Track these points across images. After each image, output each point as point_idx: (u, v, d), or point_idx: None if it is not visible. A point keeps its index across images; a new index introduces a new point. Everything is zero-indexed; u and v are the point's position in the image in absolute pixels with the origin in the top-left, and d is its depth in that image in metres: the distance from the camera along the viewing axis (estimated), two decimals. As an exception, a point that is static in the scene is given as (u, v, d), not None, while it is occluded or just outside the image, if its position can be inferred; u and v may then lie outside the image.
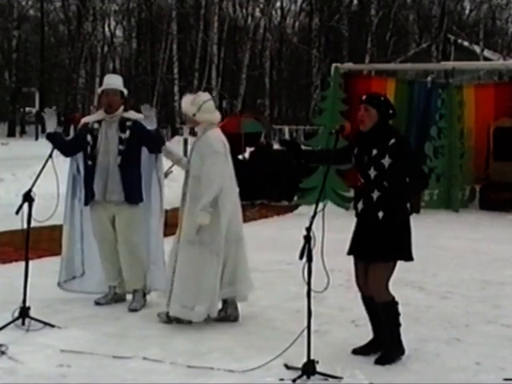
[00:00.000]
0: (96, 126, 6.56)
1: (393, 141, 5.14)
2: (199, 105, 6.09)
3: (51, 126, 6.68)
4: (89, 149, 6.52)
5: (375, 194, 5.16)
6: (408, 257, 5.26)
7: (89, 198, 6.54)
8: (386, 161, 5.13)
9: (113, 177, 6.46)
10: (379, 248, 5.15)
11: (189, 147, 24.56)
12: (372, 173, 5.19)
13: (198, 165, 5.99)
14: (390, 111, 5.25)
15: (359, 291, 5.40)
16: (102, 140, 6.49)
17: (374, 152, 5.18)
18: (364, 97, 5.31)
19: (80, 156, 6.66)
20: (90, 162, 6.52)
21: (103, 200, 6.50)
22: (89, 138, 6.54)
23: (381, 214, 5.14)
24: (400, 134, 5.31)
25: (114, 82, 6.64)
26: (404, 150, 5.15)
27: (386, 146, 5.14)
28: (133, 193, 6.49)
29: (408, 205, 5.20)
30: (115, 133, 6.49)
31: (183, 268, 5.99)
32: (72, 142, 6.82)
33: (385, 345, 5.31)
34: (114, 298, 6.72)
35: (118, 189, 6.47)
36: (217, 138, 6.07)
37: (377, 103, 5.24)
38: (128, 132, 6.48)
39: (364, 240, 5.25)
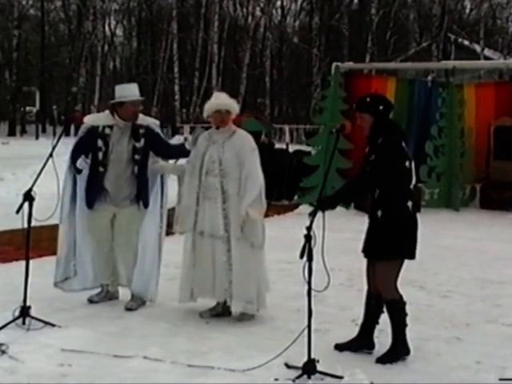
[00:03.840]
0: (108, 131, 6.44)
1: (380, 140, 5.18)
2: (236, 103, 6.22)
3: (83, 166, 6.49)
4: (100, 155, 6.42)
5: (376, 193, 5.20)
6: (409, 255, 5.25)
7: (95, 201, 6.48)
8: (372, 158, 5.20)
9: (128, 185, 6.45)
10: (378, 247, 5.18)
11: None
12: (367, 169, 5.25)
13: (234, 163, 6.05)
14: (380, 107, 5.24)
15: (367, 285, 5.42)
16: (113, 146, 6.42)
17: (368, 150, 5.28)
18: (354, 106, 5.37)
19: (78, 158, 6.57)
20: (101, 169, 6.43)
21: (114, 205, 6.49)
22: (100, 143, 6.43)
23: (379, 213, 5.18)
24: (390, 135, 5.22)
25: (136, 92, 6.52)
26: (382, 150, 5.14)
27: (376, 144, 5.20)
28: (147, 199, 6.49)
29: (409, 203, 5.20)
30: (128, 141, 6.44)
31: (239, 266, 6.05)
32: (82, 151, 6.50)
33: (368, 344, 5.36)
34: (107, 296, 6.72)
35: (132, 196, 6.48)
36: (250, 136, 6.21)
37: (365, 107, 5.28)
38: (142, 140, 6.44)
39: (367, 238, 5.30)
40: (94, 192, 6.48)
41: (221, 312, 6.26)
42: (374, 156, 5.19)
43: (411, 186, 5.28)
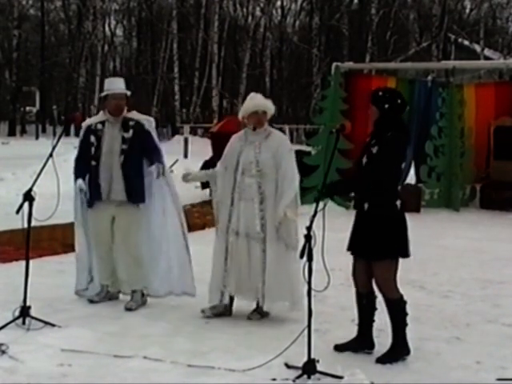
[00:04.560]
0: (99, 126, 6.54)
1: (389, 134, 5.17)
2: (272, 104, 6.29)
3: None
4: (93, 150, 6.50)
5: (364, 185, 5.22)
6: (404, 253, 5.23)
7: (94, 198, 6.52)
8: (375, 148, 5.19)
9: (116, 176, 6.45)
10: (375, 246, 5.17)
11: (189, 146, 24.59)
12: (364, 160, 5.26)
13: (270, 164, 6.09)
14: (386, 106, 5.23)
15: (354, 286, 5.41)
16: (105, 140, 6.48)
17: (371, 142, 5.27)
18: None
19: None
20: (93, 163, 6.49)
21: (107, 200, 6.50)
22: (92, 138, 6.52)
23: (366, 206, 5.19)
24: (400, 131, 5.24)
25: (120, 86, 6.60)
26: (390, 144, 5.13)
27: (382, 137, 5.19)
28: (135, 192, 6.47)
29: (398, 202, 5.17)
30: (118, 133, 6.49)
31: (273, 266, 6.07)
32: (81, 156, 6.62)
33: (368, 344, 5.36)
34: (108, 296, 6.73)
35: (121, 188, 6.46)
36: (286, 137, 6.33)
37: (374, 100, 5.29)
38: (131, 131, 6.47)
39: (355, 235, 5.31)
40: (91, 188, 6.51)
41: (222, 311, 6.26)
42: (378, 148, 5.16)
43: (399, 187, 5.28)
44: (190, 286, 6.57)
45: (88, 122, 6.78)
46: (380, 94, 5.32)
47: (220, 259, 6.21)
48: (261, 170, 6.09)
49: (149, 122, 6.63)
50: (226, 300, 6.25)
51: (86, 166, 6.53)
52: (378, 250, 5.17)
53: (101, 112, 6.70)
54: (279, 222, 6.02)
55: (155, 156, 6.44)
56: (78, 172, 6.53)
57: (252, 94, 6.39)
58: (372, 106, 5.28)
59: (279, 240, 6.08)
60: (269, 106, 6.23)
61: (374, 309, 5.36)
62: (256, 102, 6.22)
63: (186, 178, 6.47)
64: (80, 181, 6.44)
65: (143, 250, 6.59)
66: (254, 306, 6.33)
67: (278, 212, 6.01)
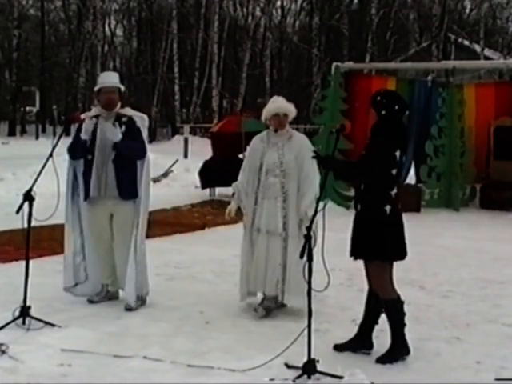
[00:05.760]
0: (94, 120, 6.56)
1: (377, 140, 5.18)
2: (293, 107, 6.49)
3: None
4: (88, 143, 6.51)
5: (362, 186, 5.26)
6: (396, 257, 5.23)
7: (87, 192, 6.53)
8: (363, 153, 5.24)
9: (108, 172, 6.47)
10: (362, 247, 5.21)
11: (189, 146, 24.59)
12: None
13: (293, 164, 6.29)
14: (383, 112, 5.20)
15: (368, 285, 5.43)
16: (98, 135, 6.50)
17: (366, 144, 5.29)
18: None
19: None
20: (89, 157, 6.52)
21: (99, 196, 6.50)
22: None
23: (358, 207, 5.25)
24: (390, 137, 5.15)
25: (112, 79, 6.63)
26: (374, 151, 5.14)
27: (372, 142, 5.20)
28: (127, 188, 6.47)
29: (387, 207, 5.14)
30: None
31: (294, 263, 6.13)
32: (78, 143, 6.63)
33: (367, 344, 5.37)
34: (107, 295, 6.73)
35: (112, 184, 6.48)
36: (307, 139, 6.50)
37: (373, 104, 5.29)
38: (123, 127, 6.48)
39: (352, 237, 5.32)
40: (86, 181, 6.53)
41: (273, 306, 6.37)
42: (365, 152, 5.21)
43: (392, 192, 5.20)
44: (131, 298, 6.50)
45: (83, 116, 6.74)
46: (378, 98, 5.28)
47: (246, 256, 6.38)
48: (284, 170, 6.30)
49: (141, 120, 6.62)
50: (255, 295, 6.42)
51: (80, 152, 6.52)
52: (365, 250, 5.21)
53: (96, 107, 6.70)
54: (300, 219, 6.20)
55: (135, 152, 6.49)
56: (75, 154, 6.55)
57: (274, 97, 6.66)
58: (371, 110, 5.30)
59: (300, 238, 6.14)
60: (290, 109, 6.46)
61: (381, 311, 5.35)
62: (277, 104, 6.46)
63: (231, 213, 6.56)
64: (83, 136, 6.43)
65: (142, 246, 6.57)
66: (259, 300, 6.40)
67: (299, 212, 6.20)
